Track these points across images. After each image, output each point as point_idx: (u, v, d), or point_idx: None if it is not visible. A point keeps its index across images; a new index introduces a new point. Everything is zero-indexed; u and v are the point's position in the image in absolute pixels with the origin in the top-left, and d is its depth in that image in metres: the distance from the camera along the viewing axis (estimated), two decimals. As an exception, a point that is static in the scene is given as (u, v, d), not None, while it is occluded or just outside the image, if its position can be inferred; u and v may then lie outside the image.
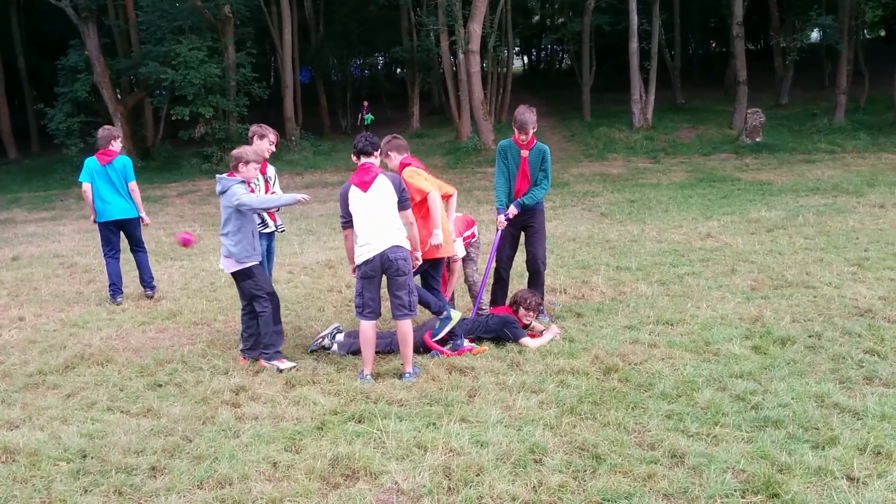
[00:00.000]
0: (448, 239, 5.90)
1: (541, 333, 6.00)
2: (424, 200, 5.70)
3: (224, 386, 5.22)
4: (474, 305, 6.56)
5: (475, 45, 20.83)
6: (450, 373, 5.31)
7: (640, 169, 18.76)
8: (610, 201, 13.88)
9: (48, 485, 3.91)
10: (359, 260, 5.28)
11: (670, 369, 5.13)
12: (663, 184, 15.93)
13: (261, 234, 6.17)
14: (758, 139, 20.73)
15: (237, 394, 5.10)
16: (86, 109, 23.54)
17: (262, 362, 5.63)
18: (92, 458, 4.19)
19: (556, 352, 5.58)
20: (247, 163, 5.65)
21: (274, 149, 6.48)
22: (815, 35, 27.17)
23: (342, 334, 5.99)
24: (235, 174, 5.65)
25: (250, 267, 5.65)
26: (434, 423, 4.41)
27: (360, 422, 4.52)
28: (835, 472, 3.62)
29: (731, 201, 12.96)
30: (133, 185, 7.96)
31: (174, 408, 4.90)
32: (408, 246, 5.33)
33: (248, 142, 6.39)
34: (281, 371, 5.51)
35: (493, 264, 6.75)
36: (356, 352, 5.73)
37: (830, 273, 7.50)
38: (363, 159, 5.36)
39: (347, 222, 5.36)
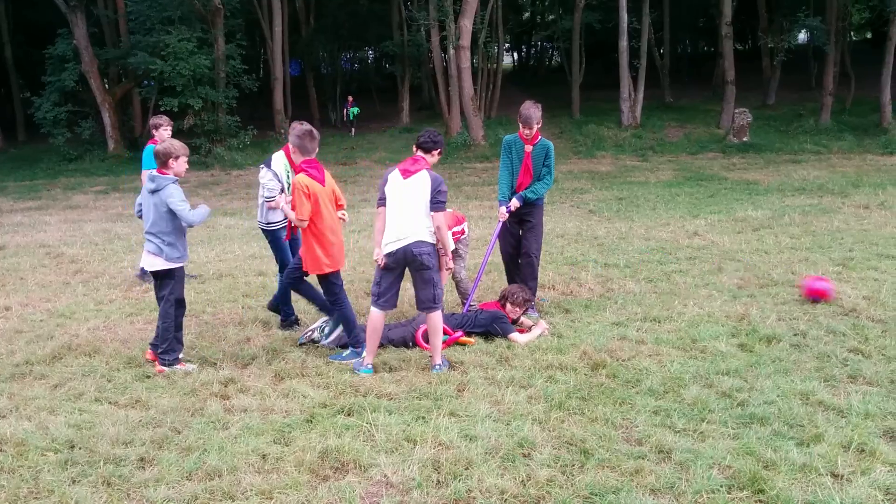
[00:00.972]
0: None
1: (529, 329, 6.03)
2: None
3: (213, 378, 5.22)
4: (465, 302, 6.58)
5: (466, 40, 20.83)
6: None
7: (628, 167, 18.85)
8: (598, 198, 13.94)
9: (36, 475, 3.90)
10: (384, 250, 5.28)
11: (657, 366, 5.17)
12: (651, 182, 16.02)
13: (281, 236, 6.25)
14: (745, 139, 20.89)
15: (226, 386, 5.10)
16: (73, 99, 23.35)
17: (160, 368, 5.45)
18: (80, 448, 4.18)
19: (545, 347, 5.61)
20: (176, 158, 5.47)
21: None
22: (802, 36, 27.36)
23: (337, 330, 5.96)
24: (166, 171, 5.46)
25: (175, 269, 5.55)
26: (423, 417, 4.43)
27: (349, 415, 4.53)
28: (819, 468, 3.68)
29: (718, 200, 13.06)
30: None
31: (162, 399, 4.89)
32: (432, 240, 5.32)
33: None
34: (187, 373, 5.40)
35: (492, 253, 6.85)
36: (344, 345, 5.75)
37: (816, 272, 7.57)
38: (419, 153, 5.39)
39: (382, 200, 5.39)
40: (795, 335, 5.72)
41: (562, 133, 23.21)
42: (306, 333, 6.00)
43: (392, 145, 22.96)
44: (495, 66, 27.24)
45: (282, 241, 6.32)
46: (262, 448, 4.11)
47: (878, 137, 20.51)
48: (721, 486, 3.58)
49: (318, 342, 5.93)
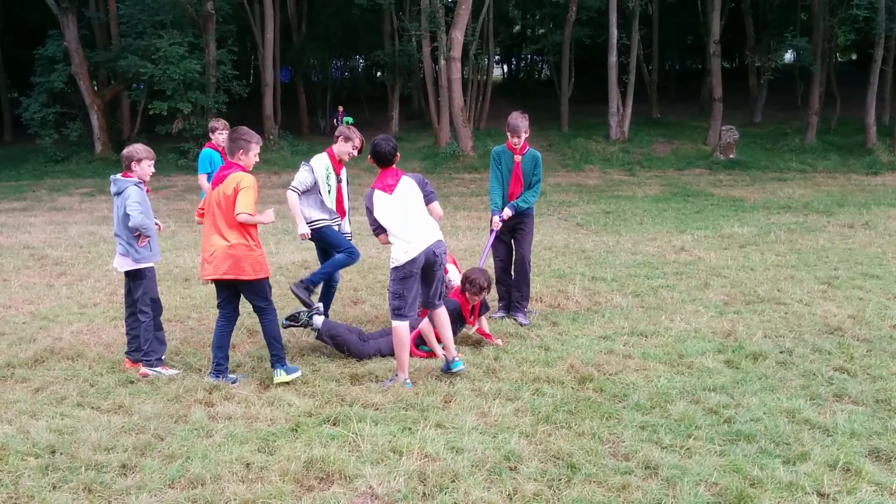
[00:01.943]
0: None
1: (487, 333, 6.10)
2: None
3: (197, 384, 5.17)
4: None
5: (457, 52, 20.90)
6: (426, 378, 5.31)
7: (615, 181, 18.94)
8: (586, 212, 13.99)
9: (16, 480, 3.84)
10: (402, 260, 5.13)
11: (644, 381, 5.18)
12: (638, 196, 16.10)
13: (329, 227, 6.22)
14: (731, 156, 21.07)
15: (210, 393, 5.05)
16: (61, 100, 23.20)
17: (144, 370, 5.44)
18: (61, 454, 4.12)
19: (532, 360, 5.61)
20: (139, 161, 5.47)
21: (356, 153, 6.41)
22: (788, 56, 27.69)
23: (322, 317, 5.92)
24: (129, 174, 5.48)
25: (145, 268, 5.53)
26: (409, 428, 4.40)
27: (335, 424, 4.50)
28: (805, 487, 3.68)
29: (705, 216, 13.14)
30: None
31: (146, 405, 4.83)
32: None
33: (334, 141, 6.34)
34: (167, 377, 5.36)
35: (486, 263, 6.90)
36: (338, 344, 5.72)
37: (801, 290, 7.63)
38: (388, 167, 5.32)
39: (378, 228, 5.27)
40: (781, 353, 5.75)
41: (550, 146, 23.30)
42: (294, 315, 5.92)
43: (381, 154, 22.93)
44: (485, 77, 27.34)
45: (329, 232, 6.26)
46: (246, 456, 4.06)
47: (862, 157, 20.76)
48: None
49: (306, 326, 5.89)
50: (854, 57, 40.00)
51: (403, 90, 28.79)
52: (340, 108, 27.65)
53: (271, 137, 24.08)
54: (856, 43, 35.09)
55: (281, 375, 5.19)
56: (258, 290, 5.21)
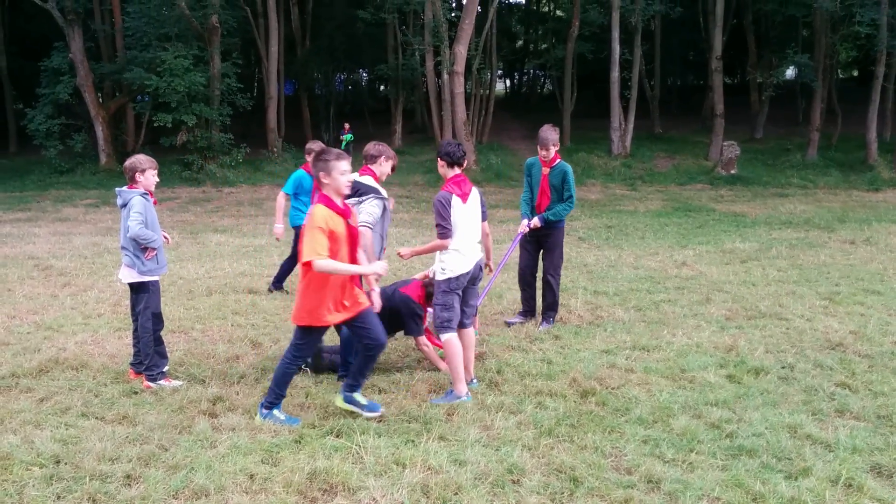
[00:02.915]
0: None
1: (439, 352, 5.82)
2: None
3: (201, 395, 5.18)
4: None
5: (460, 66, 21.03)
6: (429, 391, 5.33)
7: (617, 195, 19.00)
8: (588, 226, 14.03)
9: (20, 489, 3.85)
10: (457, 271, 5.10)
11: (647, 395, 5.19)
12: (640, 211, 16.15)
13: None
14: (733, 171, 21.13)
15: (214, 404, 5.07)
16: (66, 112, 23.31)
17: (147, 384, 5.44)
18: (65, 463, 4.14)
19: (535, 373, 5.63)
20: (143, 171, 5.47)
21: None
22: (790, 72, 27.84)
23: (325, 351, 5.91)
24: (134, 186, 5.49)
25: (149, 282, 5.53)
26: (413, 441, 4.42)
27: (338, 436, 4.51)
28: (808, 502, 3.70)
29: (706, 231, 13.17)
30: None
31: (150, 416, 4.85)
32: None
33: (371, 161, 5.55)
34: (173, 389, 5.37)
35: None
36: (334, 369, 5.72)
37: (803, 306, 7.65)
38: (456, 169, 5.23)
39: (448, 232, 5.08)
40: (783, 368, 5.76)
41: (553, 160, 23.36)
42: None
43: (384, 167, 23.03)
44: (488, 92, 27.49)
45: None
46: (249, 468, 4.08)
47: (863, 174, 20.81)
48: (710, 517, 3.59)
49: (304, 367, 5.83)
50: (855, 73, 40.19)
51: (406, 104, 28.95)
52: (346, 125, 27.81)
53: (275, 150, 24.21)
54: (857, 60, 35.29)
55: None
56: None
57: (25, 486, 3.88)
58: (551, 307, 7.09)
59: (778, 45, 25.84)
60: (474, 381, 5.41)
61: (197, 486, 3.87)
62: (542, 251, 7.13)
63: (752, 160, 22.63)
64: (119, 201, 5.50)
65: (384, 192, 5.47)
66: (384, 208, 5.45)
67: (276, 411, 4.75)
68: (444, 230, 5.09)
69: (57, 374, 5.67)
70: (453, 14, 25.49)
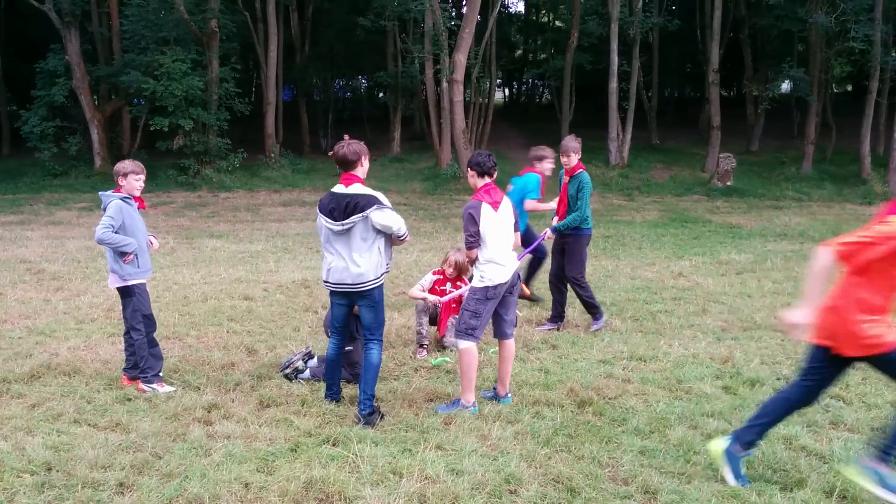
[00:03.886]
0: None
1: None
2: None
3: (196, 403, 5.15)
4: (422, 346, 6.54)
5: (459, 74, 21.07)
6: (425, 401, 5.31)
7: (614, 205, 19.03)
8: (584, 236, 14.01)
9: (11, 497, 3.82)
10: (496, 280, 5.06)
11: (643, 405, 5.18)
12: (637, 221, 16.18)
13: None
14: (728, 183, 21.19)
15: (209, 411, 5.04)
16: (62, 114, 23.24)
17: (141, 386, 5.44)
18: (57, 471, 4.10)
19: (532, 383, 5.61)
20: (125, 175, 5.48)
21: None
22: (785, 86, 27.98)
23: (314, 359, 5.88)
24: (119, 190, 5.51)
25: (133, 285, 5.50)
26: (410, 450, 4.40)
27: (334, 445, 4.49)
28: (803, 514, 3.69)
29: (703, 242, 13.20)
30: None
31: (144, 423, 4.81)
32: None
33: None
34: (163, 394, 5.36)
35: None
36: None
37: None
38: (486, 179, 5.20)
39: (476, 241, 5.06)
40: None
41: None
42: (289, 360, 5.84)
43: (382, 174, 23.03)
44: (487, 100, 27.54)
45: None
46: (244, 476, 4.05)
47: (857, 187, 20.91)
48: (707, 530, 3.57)
49: (301, 372, 5.79)
50: (850, 88, 40.38)
51: (405, 111, 28.96)
52: (346, 137, 27.80)
53: (272, 155, 24.18)
54: (851, 74, 35.48)
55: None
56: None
57: (16, 494, 3.84)
58: (590, 311, 7.23)
59: (774, 60, 25.96)
60: (508, 395, 5.30)
61: (191, 495, 3.84)
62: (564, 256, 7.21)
63: (748, 172, 22.71)
64: (102, 205, 5.48)
65: None
66: None
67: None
68: (472, 240, 5.07)
69: (49, 380, 5.63)
70: (453, 23, 25.49)
